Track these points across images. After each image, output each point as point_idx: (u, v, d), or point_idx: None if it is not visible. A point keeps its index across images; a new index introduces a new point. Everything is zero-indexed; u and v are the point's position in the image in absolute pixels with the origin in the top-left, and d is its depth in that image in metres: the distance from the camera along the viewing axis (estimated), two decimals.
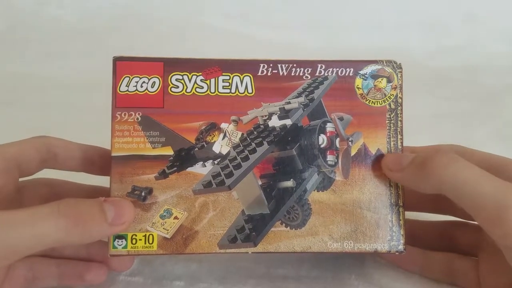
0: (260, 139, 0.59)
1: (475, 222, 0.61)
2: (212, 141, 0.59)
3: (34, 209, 0.50)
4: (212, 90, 0.59)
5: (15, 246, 0.49)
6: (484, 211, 0.51)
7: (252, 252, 0.58)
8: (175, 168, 0.59)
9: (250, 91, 0.60)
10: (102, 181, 0.64)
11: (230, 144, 0.60)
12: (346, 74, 0.60)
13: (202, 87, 0.59)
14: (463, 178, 0.52)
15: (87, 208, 0.52)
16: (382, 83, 0.60)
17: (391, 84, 0.60)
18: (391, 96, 0.60)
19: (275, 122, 0.60)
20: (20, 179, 0.61)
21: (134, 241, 0.58)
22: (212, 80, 0.59)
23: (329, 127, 0.60)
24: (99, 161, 0.63)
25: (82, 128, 0.80)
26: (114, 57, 0.59)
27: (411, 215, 0.69)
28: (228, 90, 0.59)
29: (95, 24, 1.22)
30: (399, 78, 0.61)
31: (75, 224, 0.50)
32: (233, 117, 0.59)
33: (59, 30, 1.21)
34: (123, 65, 0.59)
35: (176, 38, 1.17)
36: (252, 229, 0.58)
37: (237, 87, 0.60)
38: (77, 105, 0.99)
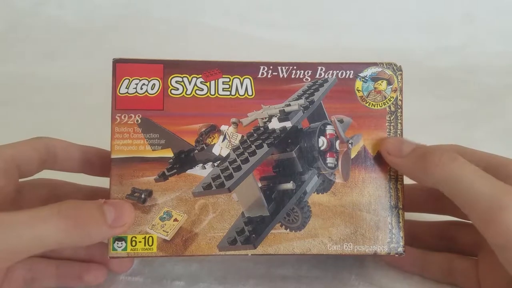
0: (260, 141, 0.59)
1: None
2: (212, 143, 0.59)
3: (34, 211, 0.50)
4: (212, 92, 0.59)
5: (14, 248, 0.49)
6: (478, 210, 0.52)
7: (251, 254, 0.58)
8: (175, 170, 0.59)
9: (250, 93, 0.60)
10: (101, 182, 0.64)
11: (230, 146, 0.59)
12: (346, 77, 0.60)
13: (202, 89, 0.59)
14: (460, 176, 0.53)
15: (87, 210, 0.52)
16: (382, 85, 0.60)
17: (391, 86, 0.60)
18: (391, 99, 0.60)
19: (275, 124, 0.60)
20: (20, 180, 0.61)
21: (133, 243, 0.58)
22: (212, 82, 0.59)
23: (329, 129, 0.60)
24: (98, 162, 0.64)
25: (82, 128, 0.80)
26: (114, 59, 0.59)
27: (411, 215, 0.69)
28: (228, 92, 0.59)
29: (95, 24, 1.22)
30: (399, 80, 0.61)
31: (75, 226, 0.50)
32: (233, 119, 0.59)
33: (59, 30, 1.21)
34: (123, 67, 0.59)
35: (176, 38, 1.17)
36: (252, 231, 0.58)
37: (237, 89, 0.60)
38: (77, 105, 0.99)
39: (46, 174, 0.64)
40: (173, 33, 1.19)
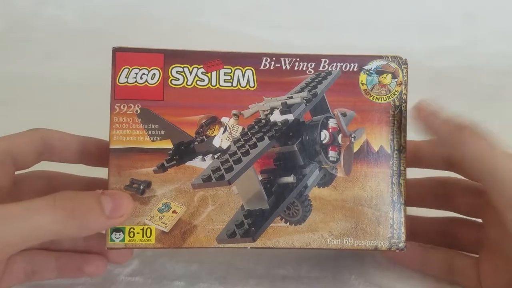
0: (261, 133, 0.59)
1: (477, 219, 0.60)
2: (212, 135, 0.59)
3: (30, 202, 0.49)
4: (213, 83, 0.59)
5: (11, 240, 0.48)
6: (506, 193, 0.51)
7: (251, 248, 0.58)
8: (174, 162, 0.59)
9: (252, 85, 0.59)
10: (100, 173, 0.64)
11: (231, 138, 0.59)
12: (350, 69, 0.60)
13: (203, 80, 0.59)
14: (497, 155, 0.52)
15: (84, 200, 0.52)
16: (387, 79, 0.60)
17: (396, 80, 0.60)
18: (396, 93, 0.60)
19: (276, 116, 0.59)
20: (17, 172, 0.60)
21: (131, 234, 0.57)
22: (214, 73, 0.59)
23: (332, 122, 0.60)
24: (96, 152, 0.63)
25: (82, 128, 0.80)
26: (113, 47, 0.59)
27: (412, 210, 0.68)
28: (229, 84, 0.59)
29: (95, 24, 1.23)
30: (404, 74, 0.60)
31: (72, 217, 0.50)
32: (234, 111, 0.59)
33: (59, 30, 1.21)
34: (122, 56, 0.59)
35: (176, 38, 1.17)
36: (251, 224, 0.58)
37: (238, 80, 0.59)
38: (77, 105, 0.99)
39: (45, 166, 0.64)
40: (173, 33, 1.20)
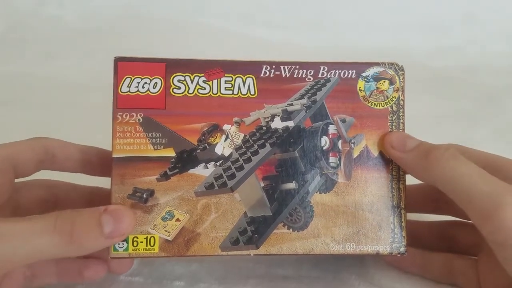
0: (263, 140, 0.59)
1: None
2: (214, 142, 0.59)
3: (30, 222, 0.49)
4: (215, 91, 0.59)
5: (9, 259, 0.49)
6: (477, 207, 0.52)
7: (254, 255, 0.58)
8: (177, 170, 0.59)
9: (252, 92, 0.59)
10: (102, 182, 0.64)
11: (233, 145, 0.59)
12: (349, 76, 0.60)
13: (204, 88, 0.59)
14: (461, 174, 0.54)
15: (84, 221, 0.51)
16: (384, 85, 0.60)
17: (393, 86, 0.60)
18: (393, 98, 0.60)
19: (277, 123, 0.60)
20: (17, 180, 0.60)
21: (135, 243, 0.58)
22: (215, 81, 0.59)
23: (332, 129, 0.60)
24: (98, 162, 0.63)
25: (82, 128, 0.80)
26: (115, 57, 0.59)
27: (411, 216, 0.69)
28: (230, 92, 0.59)
29: (95, 24, 1.22)
30: (401, 80, 0.61)
31: (70, 241, 0.50)
32: (235, 119, 0.59)
33: (59, 30, 1.20)
34: (124, 65, 0.59)
35: (177, 38, 1.17)
36: (254, 231, 0.58)
37: (239, 88, 0.59)
38: (77, 105, 0.99)
39: (47, 174, 0.64)
40: (173, 33, 1.19)
